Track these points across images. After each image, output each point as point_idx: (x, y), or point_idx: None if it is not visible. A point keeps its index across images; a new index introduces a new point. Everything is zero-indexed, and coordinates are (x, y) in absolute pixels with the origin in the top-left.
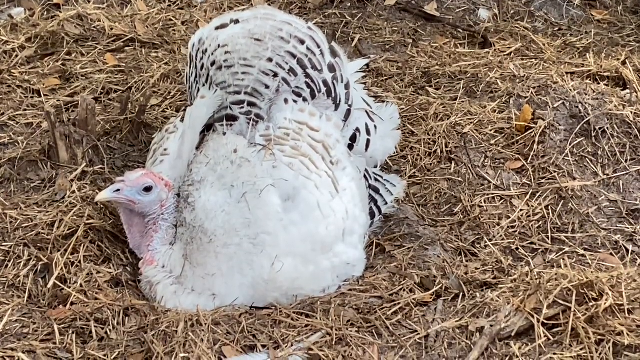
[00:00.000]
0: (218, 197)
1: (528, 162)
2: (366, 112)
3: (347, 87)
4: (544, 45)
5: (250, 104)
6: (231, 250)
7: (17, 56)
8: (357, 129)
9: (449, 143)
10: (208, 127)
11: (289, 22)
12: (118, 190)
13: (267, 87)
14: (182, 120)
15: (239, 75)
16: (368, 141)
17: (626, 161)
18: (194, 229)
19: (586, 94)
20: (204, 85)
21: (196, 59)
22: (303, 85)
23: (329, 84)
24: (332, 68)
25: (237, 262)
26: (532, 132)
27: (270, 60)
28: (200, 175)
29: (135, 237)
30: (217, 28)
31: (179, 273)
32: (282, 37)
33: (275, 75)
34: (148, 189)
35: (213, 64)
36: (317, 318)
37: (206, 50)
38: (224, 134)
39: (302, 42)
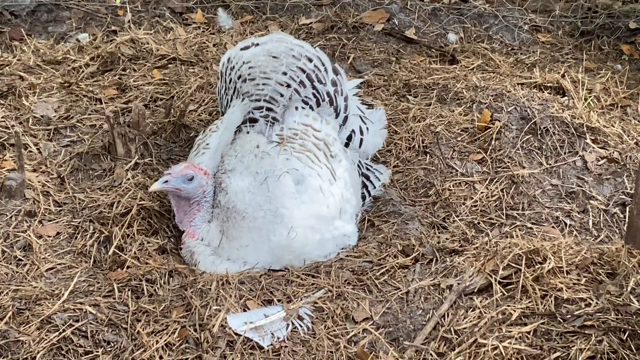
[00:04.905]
0: (245, 181)
1: (487, 154)
2: (360, 117)
3: (345, 99)
4: (499, 62)
5: (268, 109)
6: (259, 222)
7: (83, 72)
8: (353, 131)
9: (425, 140)
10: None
11: (300, 44)
12: (166, 181)
13: (281, 95)
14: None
15: (259, 86)
16: (361, 140)
17: (565, 153)
18: (228, 209)
19: (533, 101)
20: (232, 96)
21: (225, 75)
22: (310, 95)
23: (331, 96)
24: (334, 83)
25: (265, 232)
26: (490, 131)
27: (284, 73)
28: (231, 165)
29: (180, 215)
30: (242, 49)
31: (216, 245)
32: (294, 55)
33: (289, 86)
34: (190, 178)
35: (239, 77)
36: (320, 278)
37: (233, 67)
38: (248, 132)
39: (310, 60)
